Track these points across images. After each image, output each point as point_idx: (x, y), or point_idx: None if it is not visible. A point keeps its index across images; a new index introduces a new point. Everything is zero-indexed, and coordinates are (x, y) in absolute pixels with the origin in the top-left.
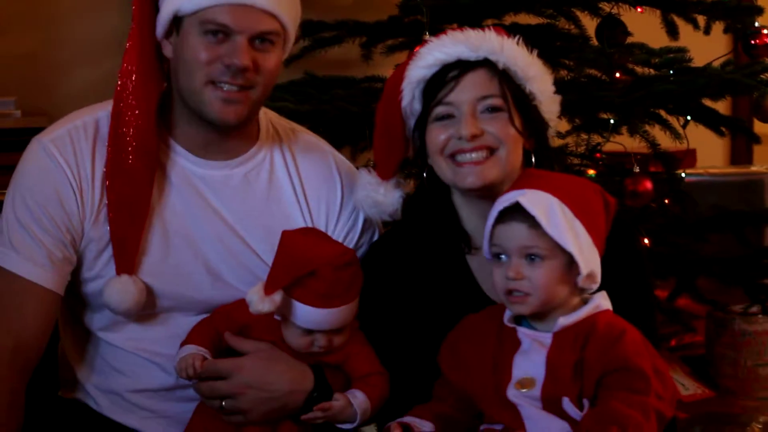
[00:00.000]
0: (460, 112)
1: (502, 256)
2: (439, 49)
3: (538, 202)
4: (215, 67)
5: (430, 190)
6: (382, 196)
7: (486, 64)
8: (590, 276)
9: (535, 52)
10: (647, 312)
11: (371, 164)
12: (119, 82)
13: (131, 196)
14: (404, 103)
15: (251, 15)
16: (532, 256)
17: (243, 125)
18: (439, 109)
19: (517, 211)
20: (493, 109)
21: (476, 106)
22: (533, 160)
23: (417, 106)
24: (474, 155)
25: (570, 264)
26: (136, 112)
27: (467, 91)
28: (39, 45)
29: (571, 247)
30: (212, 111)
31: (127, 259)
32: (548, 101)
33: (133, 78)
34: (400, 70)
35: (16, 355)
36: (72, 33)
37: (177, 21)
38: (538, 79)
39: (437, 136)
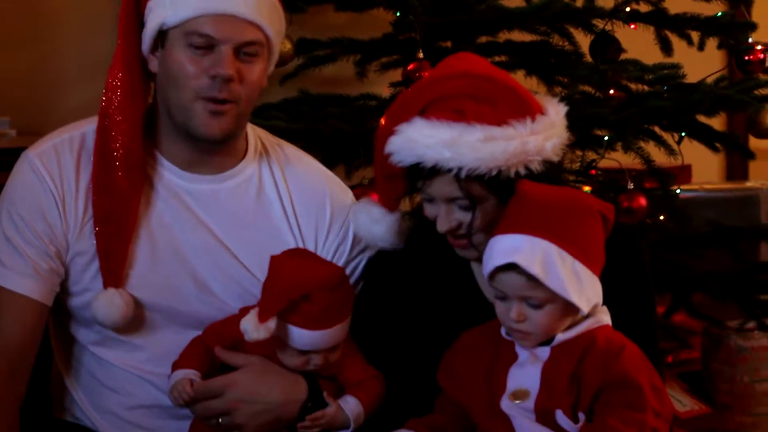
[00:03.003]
0: (438, 203)
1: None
2: (403, 154)
3: (535, 255)
4: (202, 81)
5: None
6: (395, 229)
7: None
8: (592, 308)
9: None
10: (648, 329)
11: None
12: (104, 98)
13: (117, 209)
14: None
15: (235, 25)
16: (533, 303)
17: (229, 140)
18: (423, 194)
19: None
20: (465, 207)
21: (449, 203)
22: None
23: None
24: (459, 242)
25: (571, 303)
26: (123, 127)
27: (438, 190)
28: (34, 64)
29: (571, 296)
30: (199, 125)
31: (114, 272)
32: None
33: (119, 93)
34: (395, 115)
35: None
36: (68, 52)
37: (162, 35)
38: (512, 161)
39: (428, 213)
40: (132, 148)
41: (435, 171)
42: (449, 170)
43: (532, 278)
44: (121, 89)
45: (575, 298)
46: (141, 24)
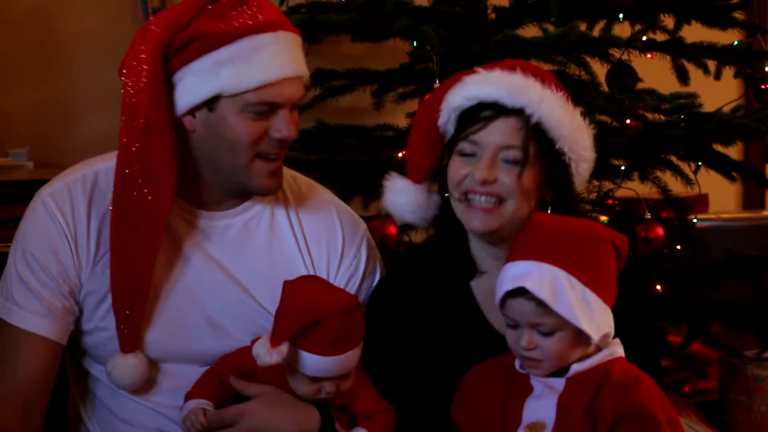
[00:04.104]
0: (482, 153)
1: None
2: (481, 87)
3: (544, 280)
4: (263, 142)
5: (446, 213)
6: (422, 200)
7: (521, 113)
8: (603, 338)
9: (578, 109)
10: (651, 356)
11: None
12: (124, 168)
13: (134, 274)
14: (440, 122)
15: (292, 85)
16: (543, 330)
17: None
18: (464, 145)
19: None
20: (512, 162)
21: (498, 153)
22: (549, 210)
23: (450, 129)
24: (483, 199)
25: (582, 331)
26: (149, 198)
27: (493, 136)
28: (50, 96)
29: (581, 322)
30: (260, 185)
31: (132, 336)
32: (579, 159)
33: (154, 161)
34: (444, 88)
35: (10, 399)
36: (83, 83)
37: (211, 100)
38: (570, 138)
39: (457, 170)
40: (163, 208)
41: (501, 110)
42: (518, 113)
43: (541, 304)
44: (160, 156)
45: (585, 325)
46: (169, 84)
